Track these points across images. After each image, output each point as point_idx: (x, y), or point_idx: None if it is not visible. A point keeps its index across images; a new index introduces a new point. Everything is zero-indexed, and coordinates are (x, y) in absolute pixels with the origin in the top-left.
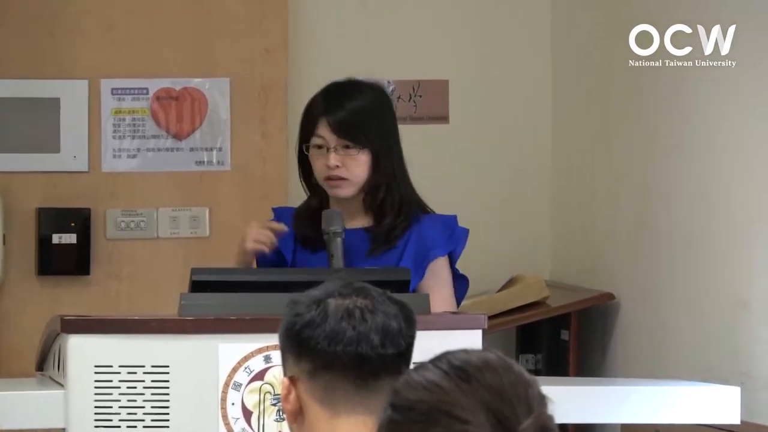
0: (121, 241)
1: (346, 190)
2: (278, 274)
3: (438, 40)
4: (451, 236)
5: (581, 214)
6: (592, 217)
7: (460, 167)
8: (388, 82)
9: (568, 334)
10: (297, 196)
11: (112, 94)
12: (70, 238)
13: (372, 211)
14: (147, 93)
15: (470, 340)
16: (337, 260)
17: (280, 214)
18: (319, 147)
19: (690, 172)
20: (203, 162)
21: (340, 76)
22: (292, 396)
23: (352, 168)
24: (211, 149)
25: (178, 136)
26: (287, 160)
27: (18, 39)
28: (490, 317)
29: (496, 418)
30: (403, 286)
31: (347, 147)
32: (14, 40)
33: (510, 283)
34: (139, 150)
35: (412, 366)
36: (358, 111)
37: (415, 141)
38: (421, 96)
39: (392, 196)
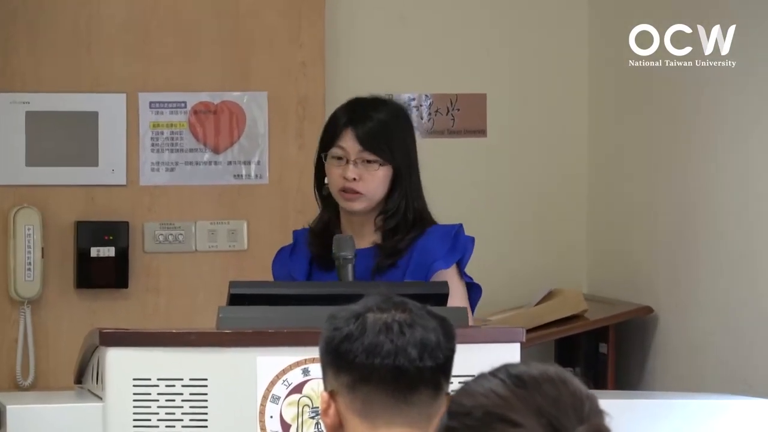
0: (159, 254)
1: (359, 205)
2: (316, 288)
3: (475, 54)
4: (454, 246)
5: (619, 227)
6: (630, 229)
7: (498, 180)
8: (426, 95)
9: (607, 348)
10: None
11: (150, 107)
12: (109, 252)
13: (383, 231)
14: (185, 106)
15: (508, 353)
16: None
17: (297, 236)
18: (338, 158)
19: (729, 181)
20: (241, 175)
21: (377, 89)
22: (332, 410)
23: (369, 183)
24: (249, 163)
25: (215, 150)
26: None
27: (55, 53)
28: (528, 331)
29: (550, 424)
30: (441, 299)
31: (368, 162)
32: (52, 55)
33: (548, 296)
34: (177, 163)
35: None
36: (384, 125)
37: (452, 154)
38: (458, 110)
39: (407, 218)
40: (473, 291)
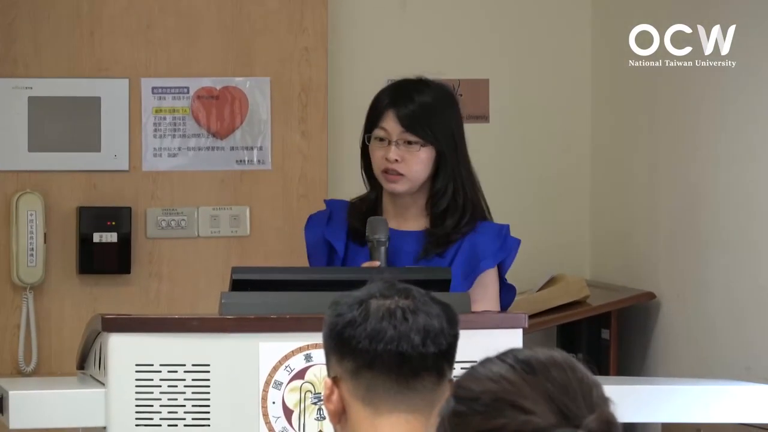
0: (161, 240)
1: (402, 186)
2: (319, 273)
3: (478, 39)
4: (502, 246)
5: (621, 213)
6: (632, 216)
7: (500, 166)
8: None
9: (609, 334)
10: (337, 195)
11: (153, 92)
12: (111, 237)
13: (432, 216)
14: (187, 92)
15: (511, 339)
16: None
17: (332, 205)
18: (381, 140)
19: (729, 175)
20: (244, 161)
21: (380, 75)
22: (335, 396)
23: (411, 164)
24: (252, 148)
25: (218, 135)
26: (327, 159)
27: (58, 38)
28: (531, 316)
29: (561, 411)
30: (444, 285)
31: (409, 143)
32: (54, 40)
33: (550, 282)
34: (179, 149)
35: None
36: (426, 107)
37: None
38: (461, 95)
39: (457, 201)
40: (509, 292)
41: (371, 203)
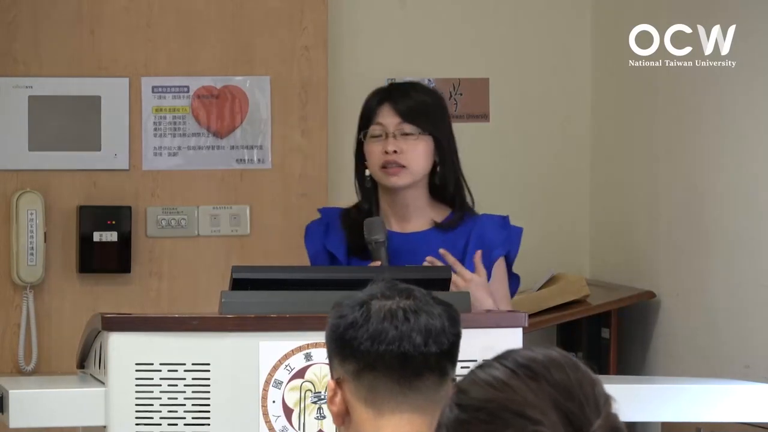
0: (161, 239)
1: (403, 179)
2: (319, 272)
3: (478, 37)
4: (509, 236)
5: (621, 212)
6: (632, 215)
7: (500, 165)
8: (429, 80)
9: (609, 333)
10: (337, 194)
11: (153, 91)
12: (111, 236)
13: (442, 203)
14: (188, 91)
15: (511, 338)
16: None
17: (328, 215)
18: (377, 136)
19: (729, 174)
20: (244, 160)
21: (380, 73)
22: (338, 398)
23: (410, 155)
24: (252, 147)
25: (218, 134)
26: (328, 158)
27: (58, 37)
28: (531, 315)
29: (567, 417)
30: (444, 284)
31: (406, 134)
32: (55, 39)
33: (550, 281)
34: (179, 148)
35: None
36: (421, 101)
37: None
38: (461, 94)
39: (461, 192)
40: (515, 281)
41: (366, 213)
